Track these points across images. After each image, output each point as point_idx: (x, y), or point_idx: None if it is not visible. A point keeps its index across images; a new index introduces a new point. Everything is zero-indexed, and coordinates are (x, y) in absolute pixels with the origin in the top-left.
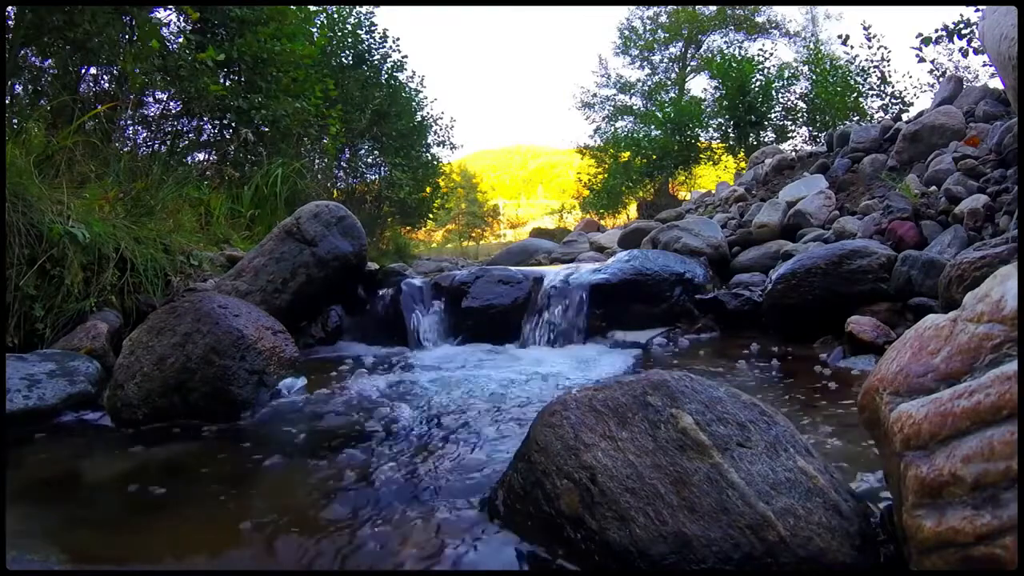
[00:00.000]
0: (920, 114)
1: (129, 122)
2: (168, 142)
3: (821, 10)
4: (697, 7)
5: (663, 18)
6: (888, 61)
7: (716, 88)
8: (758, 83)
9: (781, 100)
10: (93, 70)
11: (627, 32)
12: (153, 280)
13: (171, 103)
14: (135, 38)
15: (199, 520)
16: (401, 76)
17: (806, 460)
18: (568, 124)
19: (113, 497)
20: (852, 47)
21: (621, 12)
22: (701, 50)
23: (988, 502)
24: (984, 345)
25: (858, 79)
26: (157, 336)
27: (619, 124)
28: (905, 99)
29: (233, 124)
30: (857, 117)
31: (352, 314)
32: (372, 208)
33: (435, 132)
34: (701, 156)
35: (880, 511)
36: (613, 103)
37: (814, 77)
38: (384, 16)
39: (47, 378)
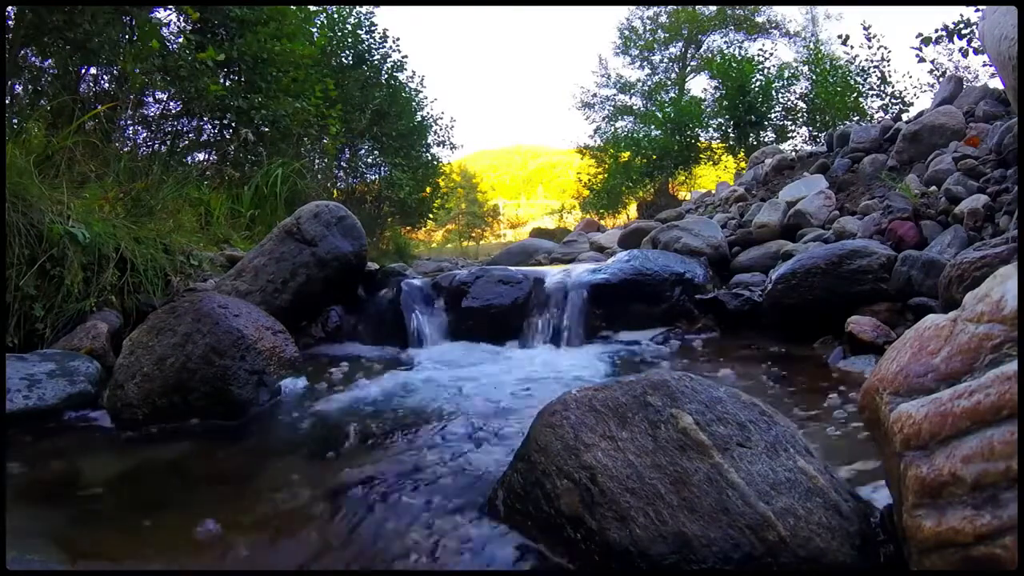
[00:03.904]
0: (920, 114)
1: (129, 122)
2: (168, 142)
3: (821, 10)
4: (697, 7)
5: (663, 18)
6: (888, 61)
7: (716, 88)
8: (758, 83)
9: (781, 100)
10: (93, 70)
11: (627, 32)
12: (153, 280)
13: (171, 103)
14: (135, 38)
15: (199, 520)
16: (401, 76)
17: (806, 460)
18: (568, 124)
19: (113, 497)
20: (852, 47)
21: (621, 12)
22: (701, 50)
23: (988, 502)
24: (984, 345)
25: (858, 79)
26: (157, 336)
27: (619, 124)
28: (905, 99)
29: (233, 124)
30: (857, 117)
31: (352, 314)
32: (372, 208)
33: (435, 132)
34: (701, 156)
35: (880, 511)
36: (613, 103)
37: (814, 77)
38: (384, 16)
39: (47, 378)
